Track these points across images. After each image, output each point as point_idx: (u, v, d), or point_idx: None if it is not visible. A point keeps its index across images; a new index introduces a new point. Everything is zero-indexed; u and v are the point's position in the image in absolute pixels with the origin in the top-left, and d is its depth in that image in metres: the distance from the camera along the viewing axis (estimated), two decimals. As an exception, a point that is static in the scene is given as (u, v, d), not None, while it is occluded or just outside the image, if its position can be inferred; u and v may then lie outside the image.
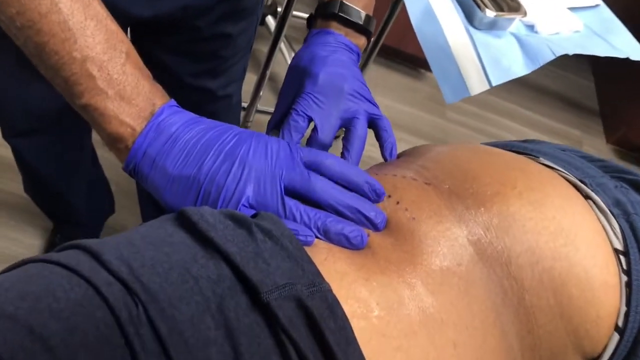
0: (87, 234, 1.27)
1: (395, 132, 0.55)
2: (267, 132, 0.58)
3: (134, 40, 0.89)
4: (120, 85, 0.43)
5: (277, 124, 0.58)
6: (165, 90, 0.46)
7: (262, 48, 1.98)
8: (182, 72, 0.87)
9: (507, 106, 2.32)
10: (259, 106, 1.58)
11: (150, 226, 0.38)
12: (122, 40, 0.44)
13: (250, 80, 1.69)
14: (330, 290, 0.35)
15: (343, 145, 0.55)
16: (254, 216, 0.40)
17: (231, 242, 0.35)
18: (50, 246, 1.28)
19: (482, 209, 0.43)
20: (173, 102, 0.46)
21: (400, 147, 0.55)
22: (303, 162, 0.44)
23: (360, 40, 0.61)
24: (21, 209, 1.32)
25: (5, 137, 0.96)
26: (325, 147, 0.55)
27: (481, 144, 0.61)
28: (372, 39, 1.67)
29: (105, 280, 0.32)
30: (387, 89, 2.11)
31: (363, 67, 1.56)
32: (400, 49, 2.10)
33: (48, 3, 0.40)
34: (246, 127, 1.61)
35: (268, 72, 1.49)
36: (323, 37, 0.59)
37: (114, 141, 0.44)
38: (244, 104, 1.56)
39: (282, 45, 1.88)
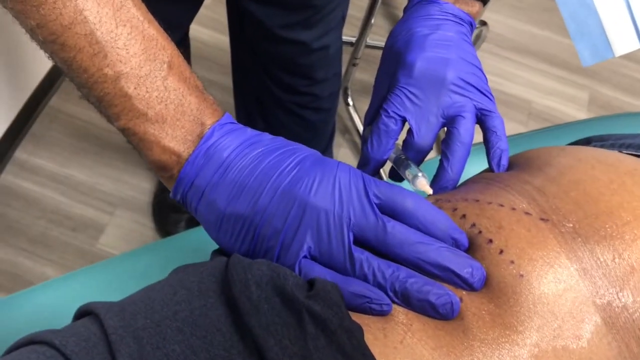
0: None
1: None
2: (364, 129, 0.50)
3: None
4: (161, 105, 0.36)
5: (373, 119, 0.49)
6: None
7: (376, -33, 1.80)
8: (272, 24, 0.78)
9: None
10: (369, 40, 1.44)
11: (190, 291, 0.32)
12: (163, 48, 0.36)
13: (360, 3, 1.54)
14: None
15: (442, 151, 0.44)
16: (311, 285, 0.32)
17: (274, 337, 0.28)
18: (159, 191, 1.31)
19: (617, 260, 0.33)
20: (227, 117, 0.38)
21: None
22: (377, 202, 0.35)
23: (474, 8, 0.48)
24: (133, 152, 1.35)
25: None
26: (423, 152, 0.45)
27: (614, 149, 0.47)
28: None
29: None
30: (516, 8, 1.85)
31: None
32: (536, -39, 1.81)
33: (71, 12, 0.33)
34: (354, 66, 1.49)
35: (382, -5, 1.34)
36: (425, 9, 0.47)
37: (157, 169, 0.38)
38: (352, 39, 1.43)
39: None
